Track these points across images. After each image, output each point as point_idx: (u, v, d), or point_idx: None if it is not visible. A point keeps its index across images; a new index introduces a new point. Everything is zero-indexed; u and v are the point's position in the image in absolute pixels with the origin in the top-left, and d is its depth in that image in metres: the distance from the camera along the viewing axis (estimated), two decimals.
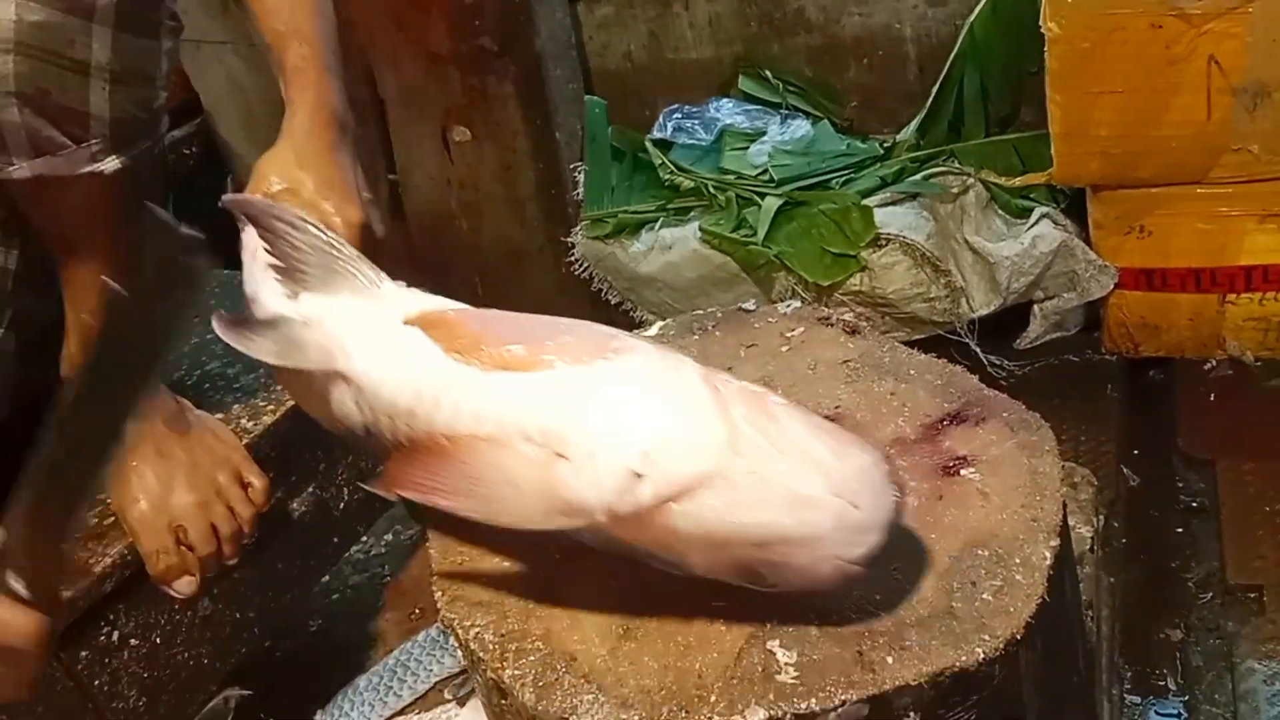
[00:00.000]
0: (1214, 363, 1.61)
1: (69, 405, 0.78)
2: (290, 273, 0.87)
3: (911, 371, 0.91)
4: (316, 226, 0.88)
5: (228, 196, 0.94)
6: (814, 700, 0.66)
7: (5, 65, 0.92)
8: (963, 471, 0.79)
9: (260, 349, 0.85)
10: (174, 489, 1.13)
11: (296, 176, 0.99)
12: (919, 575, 0.72)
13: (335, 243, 0.87)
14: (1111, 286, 1.61)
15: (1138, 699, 1.20)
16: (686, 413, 0.67)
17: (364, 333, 0.82)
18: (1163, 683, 1.21)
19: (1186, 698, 1.19)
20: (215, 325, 0.88)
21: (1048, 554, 0.72)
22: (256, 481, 1.17)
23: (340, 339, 0.82)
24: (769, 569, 0.66)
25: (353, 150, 1.06)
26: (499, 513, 0.71)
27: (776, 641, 0.70)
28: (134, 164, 1.04)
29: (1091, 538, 1.06)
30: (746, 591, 0.69)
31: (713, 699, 0.68)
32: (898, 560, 0.71)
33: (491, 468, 0.70)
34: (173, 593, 1.09)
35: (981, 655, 0.67)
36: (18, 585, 0.76)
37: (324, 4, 1.08)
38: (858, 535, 0.65)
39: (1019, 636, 0.68)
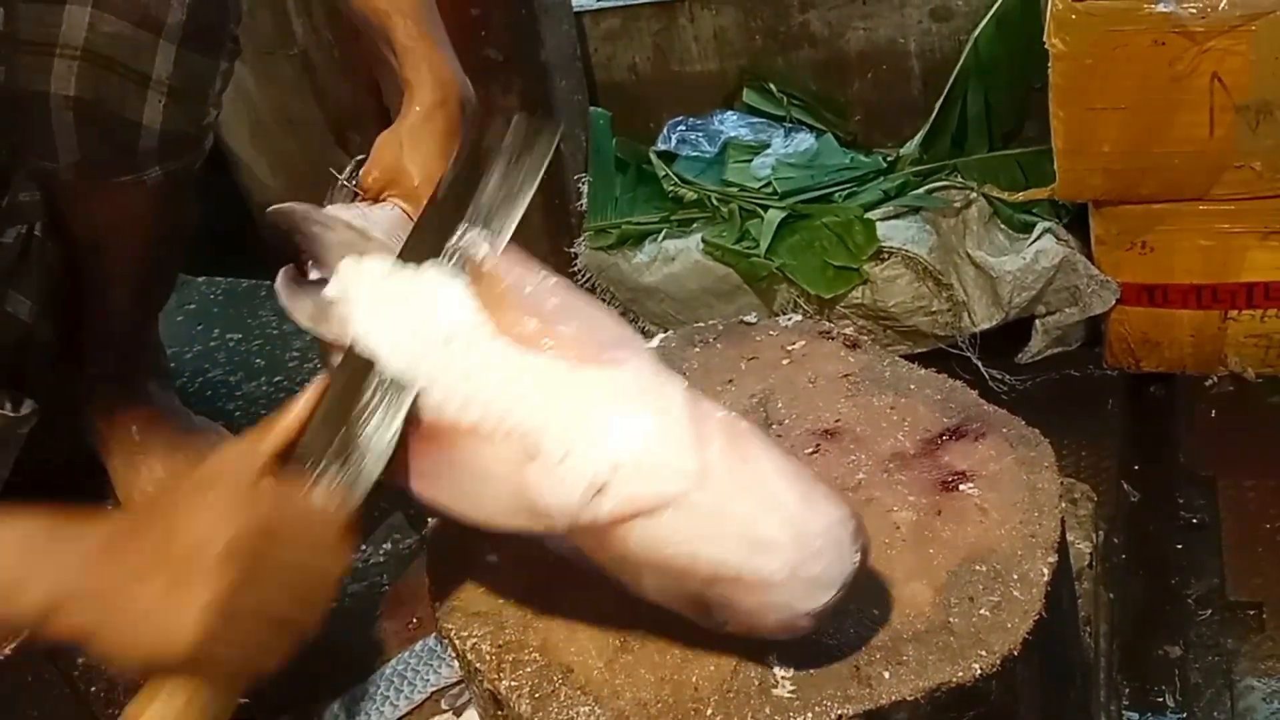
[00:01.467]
0: (1215, 379, 1.61)
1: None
2: (325, 269, 0.87)
3: (911, 386, 0.91)
4: (348, 224, 0.88)
5: (270, 210, 0.94)
6: (810, 715, 0.66)
7: (69, 70, 0.94)
8: (961, 487, 0.79)
9: (298, 310, 0.86)
10: None
11: (402, 168, 0.98)
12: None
13: (365, 234, 0.87)
14: (1113, 302, 1.61)
15: (1136, 715, 1.19)
16: (661, 436, 0.67)
17: (377, 305, 0.81)
18: (1161, 699, 1.21)
19: (1185, 715, 1.18)
20: (279, 279, 0.90)
21: (1046, 570, 0.72)
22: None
23: (354, 311, 0.81)
24: (718, 607, 0.66)
25: (474, 125, 1.03)
26: (468, 507, 0.71)
27: (773, 655, 0.70)
28: (175, 177, 1.05)
29: (1091, 553, 1.06)
30: None
31: (709, 712, 0.68)
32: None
33: (468, 459, 0.71)
34: None
35: (978, 671, 0.67)
36: (325, 480, 0.73)
37: None
38: (810, 589, 0.64)
39: (1016, 653, 0.68)
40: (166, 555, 0.65)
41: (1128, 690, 1.21)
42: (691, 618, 0.68)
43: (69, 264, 1.09)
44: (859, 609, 0.71)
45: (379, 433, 0.74)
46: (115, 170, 1.02)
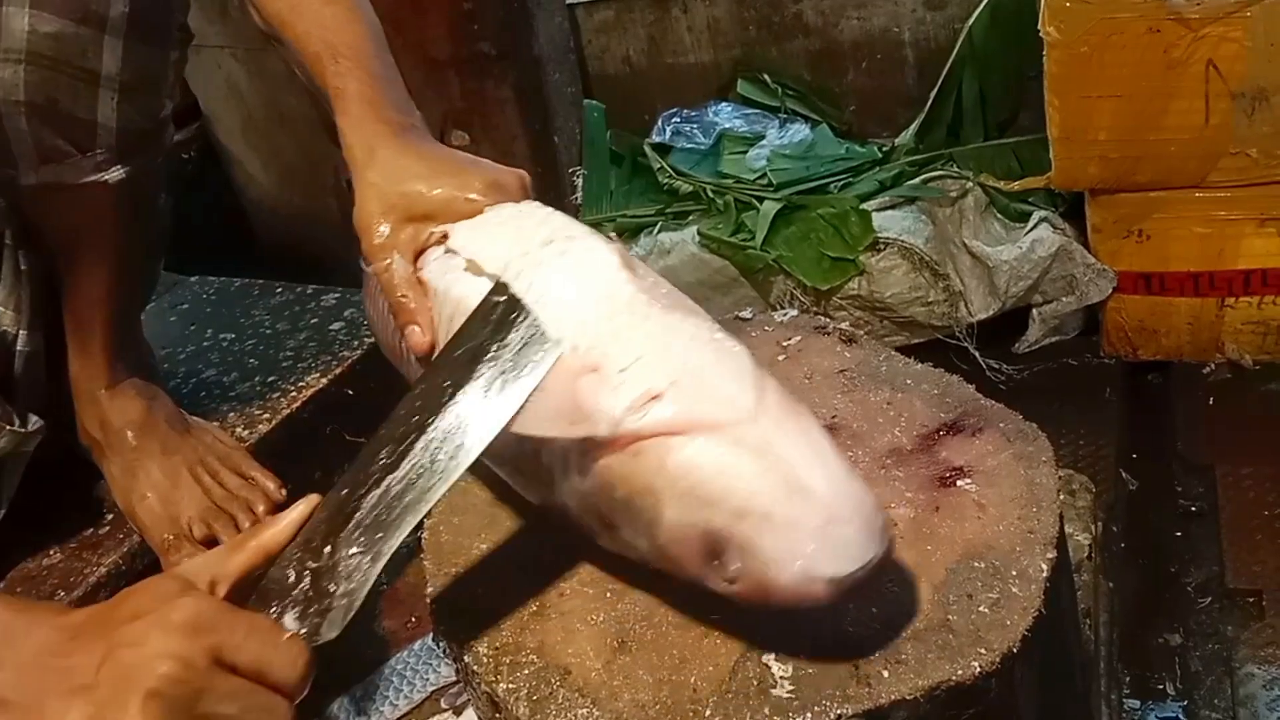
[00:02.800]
0: (1212, 366, 1.60)
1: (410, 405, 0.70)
2: None
3: (908, 381, 0.91)
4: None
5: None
6: (809, 715, 0.66)
7: (15, 75, 0.92)
8: (959, 482, 0.79)
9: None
10: (180, 483, 1.14)
11: (401, 193, 0.82)
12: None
13: None
14: (1110, 290, 1.61)
15: (1136, 703, 1.20)
16: (724, 368, 0.67)
17: (480, 224, 0.82)
18: (1162, 687, 1.21)
19: (1185, 702, 1.19)
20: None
21: (1044, 566, 0.71)
22: (261, 477, 1.17)
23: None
24: (737, 549, 0.63)
25: (427, 131, 0.92)
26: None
27: (772, 655, 0.69)
28: (138, 173, 1.04)
29: (1090, 545, 1.06)
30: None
31: (707, 713, 0.67)
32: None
33: None
34: None
35: (978, 669, 0.66)
36: (291, 617, 0.66)
37: (362, 10, 0.95)
38: (836, 549, 0.62)
39: (1015, 650, 0.67)
40: (95, 680, 0.59)
41: (1128, 679, 1.22)
42: (696, 573, 0.66)
43: (48, 270, 1.09)
44: (857, 607, 0.70)
45: (361, 569, 0.68)
46: (76, 172, 1.01)
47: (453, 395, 0.70)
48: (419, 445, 0.69)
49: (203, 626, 0.61)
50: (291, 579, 0.67)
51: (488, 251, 0.79)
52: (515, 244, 0.77)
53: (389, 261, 0.81)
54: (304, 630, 0.66)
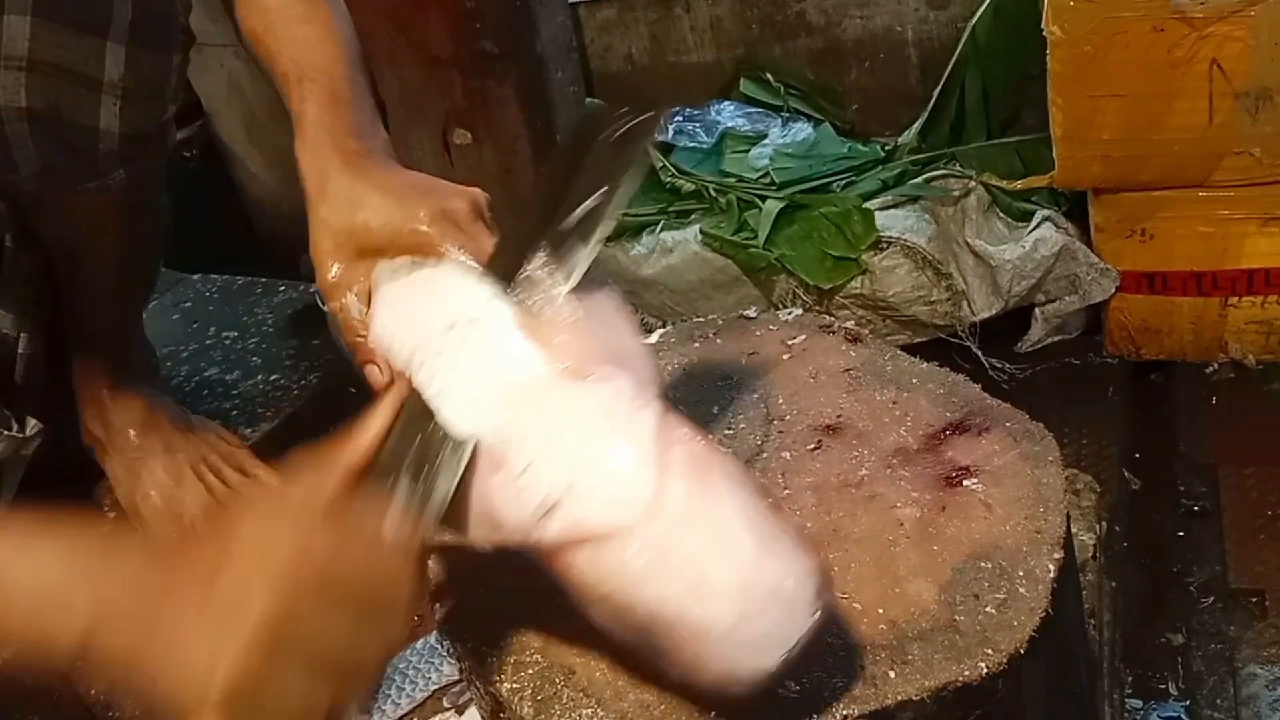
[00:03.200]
0: (1215, 366, 1.61)
1: None
2: None
3: (914, 380, 0.91)
4: None
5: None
6: (816, 715, 0.66)
7: (17, 81, 0.92)
8: (965, 482, 0.79)
9: None
10: (183, 481, 1.14)
11: (350, 230, 0.79)
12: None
13: None
14: (1113, 290, 1.61)
15: (1139, 703, 1.20)
16: (621, 461, 0.63)
17: (392, 295, 0.78)
18: (1164, 687, 1.21)
19: (1188, 702, 1.19)
20: None
21: (1051, 566, 0.71)
22: (264, 475, 1.18)
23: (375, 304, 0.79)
24: (660, 650, 0.62)
25: (386, 155, 0.88)
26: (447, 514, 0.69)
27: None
28: (140, 177, 1.04)
29: (1094, 545, 1.06)
30: None
31: (713, 712, 0.67)
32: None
33: None
34: None
35: (984, 669, 0.66)
36: (398, 490, 0.67)
37: (337, 28, 0.91)
38: (754, 646, 0.60)
39: (1022, 650, 0.67)
40: (213, 582, 0.59)
41: (1131, 679, 1.21)
42: (644, 656, 0.65)
43: (47, 272, 1.08)
44: (863, 609, 0.70)
45: (455, 448, 0.68)
46: (77, 178, 1.00)
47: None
48: None
49: (307, 535, 0.62)
50: (398, 460, 0.69)
51: (398, 340, 0.76)
52: (421, 329, 0.74)
53: (343, 303, 0.79)
54: (412, 510, 0.67)
